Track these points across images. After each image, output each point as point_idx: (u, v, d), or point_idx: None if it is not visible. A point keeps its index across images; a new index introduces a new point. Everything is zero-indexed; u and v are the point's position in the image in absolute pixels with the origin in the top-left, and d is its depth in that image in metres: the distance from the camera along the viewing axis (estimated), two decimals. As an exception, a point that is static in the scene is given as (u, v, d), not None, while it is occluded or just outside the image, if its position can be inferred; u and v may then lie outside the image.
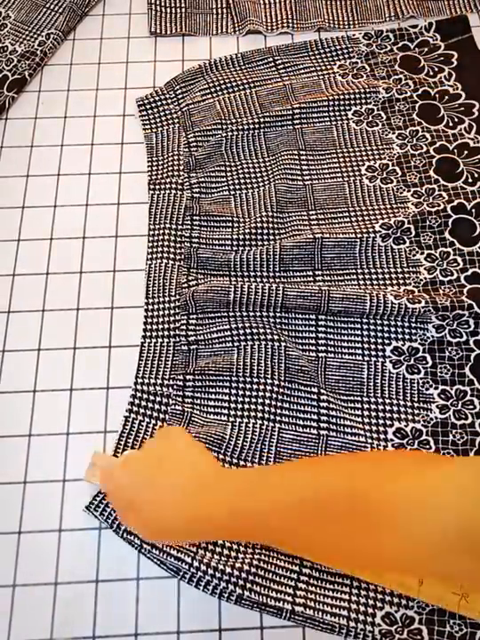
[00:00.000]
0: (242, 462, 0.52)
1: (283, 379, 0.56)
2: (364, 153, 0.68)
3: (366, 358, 0.57)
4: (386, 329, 0.58)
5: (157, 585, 0.50)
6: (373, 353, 0.57)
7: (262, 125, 0.69)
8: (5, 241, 0.65)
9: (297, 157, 0.68)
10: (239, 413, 0.55)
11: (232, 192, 0.66)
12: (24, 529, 0.53)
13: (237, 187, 0.67)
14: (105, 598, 0.50)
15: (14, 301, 0.62)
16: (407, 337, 0.57)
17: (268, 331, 0.57)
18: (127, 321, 0.61)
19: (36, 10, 0.77)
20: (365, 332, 0.58)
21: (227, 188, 0.67)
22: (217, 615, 0.49)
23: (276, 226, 0.64)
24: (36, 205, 0.67)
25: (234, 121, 0.70)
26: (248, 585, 0.48)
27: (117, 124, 0.72)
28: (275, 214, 0.64)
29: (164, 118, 0.71)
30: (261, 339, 0.57)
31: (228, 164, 0.68)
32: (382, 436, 0.54)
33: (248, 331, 0.58)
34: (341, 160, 0.67)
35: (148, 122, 0.71)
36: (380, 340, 0.57)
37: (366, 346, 0.57)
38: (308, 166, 0.67)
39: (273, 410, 0.55)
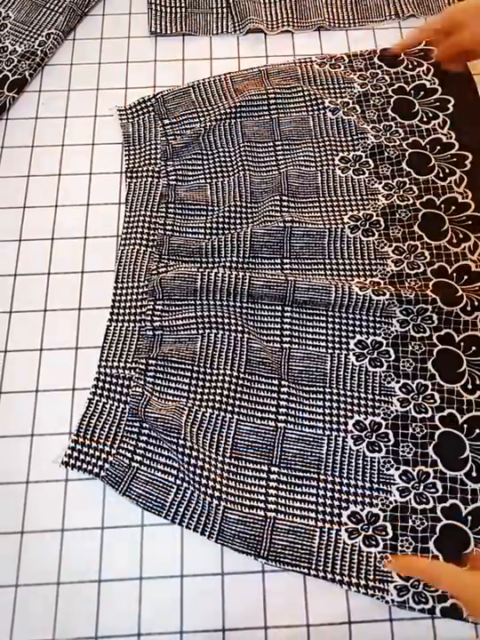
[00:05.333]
0: (197, 452, 0.52)
1: (243, 370, 0.56)
2: (338, 143, 0.68)
3: (330, 350, 0.57)
4: (351, 322, 0.58)
5: (160, 585, 0.50)
6: (337, 345, 0.57)
7: (239, 114, 0.69)
8: (6, 241, 0.65)
9: (273, 149, 0.68)
10: (197, 402, 0.55)
11: (208, 180, 0.67)
12: (27, 529, 0.52)
13: (214, 175, 0.67)
14: (107, 598, 0.50)
15: (15, 301, 0.62)
16: (371, 331, 0.58)
17: (233, 320, 0.58)
18: (129, 320, 0.61)
19: (36, 10, 0.77)
20: (330, 325, 0.58)
21: (203, 176, 0.67)
22: (221, 615, 0.49)
23: (248, 214, 0.64)
24: (36, 205, 0.67)
25: (209, 109, 0.70)
26: (223, 495, 0.50)
27: (117, 124, 0.72)
28: (248, 204, 0.65)
29: (139, 107, 0.71)
30: (225, 328, 0.58)
31: (204, 152, 0.68)
32: (342, 427, 0.54)
33: (213, 319, 0.58)
34: (316, 149, 0.68)
35: (123, 111, 0.71)
36: (344, 333, 0.58)
37: (331, 338, 0.58)
38: (283, 155, 0.68)
39: (231, 401, 0.55)
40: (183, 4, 0.78)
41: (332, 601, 0.49)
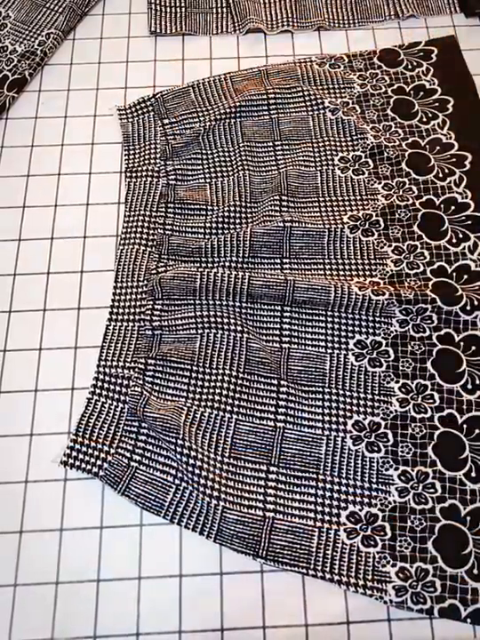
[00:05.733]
0: (195, 452, 0.52)
1: (242, 370, 0.56)
2: (337, 143, 0.68)
3: (329, 350, 0.57)
4: (350, 322, 0.58)
5: (159, 584, 0.50)
6: (336, 345, 0.57)
7: (239, 114, 0.69)
8: (6, 240, 0.65)
9: (272, 149, 0.68)
10: (196, 402, 0.55)
11: (208, 180, 0.67)
12: (25, 528, 0.52)
13: (213, 174, 0.67)
14: (106, 598, 0.50)
15: (15, 301, 0.62)
16: (371, 331, 0.58)
17: (233, 320, 0.58)
18: (128, 320, 0.61)
19: (36, 10, 0.77)
20: (330, 325, 0.58)
21: (202, 175, 0.67)
22: (219, 614, 0.49)
23: (247, 214, 0.64)
24: (36, 205, 0.67)
25: (209, 109, 0.70)
26: (222, 495, 0.50)
27: (117, 124, 0.72)
28: (248, 204, 0.65)
29: (138, 107, 0.71)
30: (224, 328, 0.58)
31: (204, 151, 0.68)
32: (341, 428, 0.54)
33: (212, 319, 0.58)
34: (315, 149, 0.68)
35: (123, 111, 0.71)
36: (343, 333, 0.58)
37: (330, 338, 0.58)
38: (282, 155, 0.68)
39: (230, 400, 0.55)
40: (183, 4, 0.78)
41: (331, 601, 0.49)
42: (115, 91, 0.74)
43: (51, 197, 0.67)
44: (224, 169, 0.67)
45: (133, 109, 0.71)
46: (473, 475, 0.52)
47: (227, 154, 0.68)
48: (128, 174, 0.68)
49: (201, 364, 0.57)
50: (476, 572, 0.49)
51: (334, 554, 0.50)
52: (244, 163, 0.67)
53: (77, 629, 0.49)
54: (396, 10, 0.77)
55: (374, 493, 0.51)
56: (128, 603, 0.50)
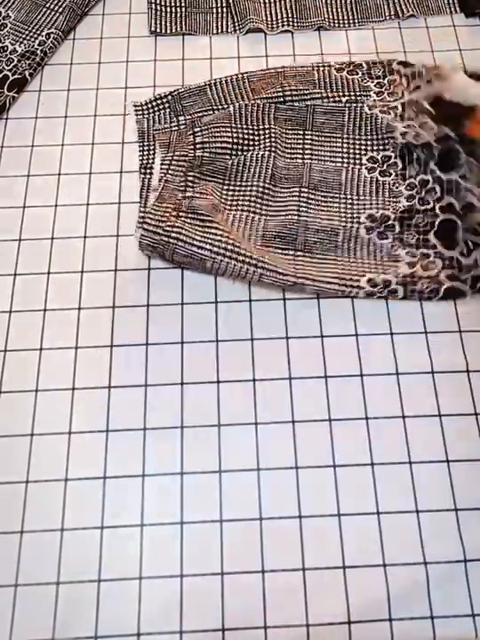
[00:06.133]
0: (231, 252, 0.59)
1: (268, 182, 0.65)
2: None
3: (345, 164, 0.67)
4: (362, 141, 0.68)
5: (160, 584, 0.50)
6: (352, 161, 0.67)
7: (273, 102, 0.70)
8: (6, 241, 0.65)
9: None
10: (227, 207, 0.64)
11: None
12: (26, 528, 0.52)
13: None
14: (107, 598, 0.50)
15: (15, 301, 0.62)
16: (381, 147, 0.67)
17: (262, 141, 0.66)
18: (128, 320, 0.61)
19: (36, 10, 0.77)
20: (345, 144, 0.68)
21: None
22: (220, 615, 0.49)
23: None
24: (36, 205, 0.67)
25: (227, 107, 0.70)
26: (260, 266, 0.59)
27: (117, 124, 0.72)
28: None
29: (154, 103, 0.71)
30: (254, 147, 0.66)
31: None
32: (355, 220, 0.64)
33: (244, 140, 0.67)
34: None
35: (139, 107, 0.71)
36: (357, 150, 0.68)
37: (345, 155, 0.68)
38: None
39: (259, 203, 0.64)
40: (183, 4, 0.78)
41: (332, 601, 0.50)
42: (115, 91, 0.74)
43: (51, 197, 0.67)
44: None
45: (149, 106, 0.71)
46: (467, 176, 0.64)
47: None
48: (142, 172, 0.68)
49: (232, 178, 0.65)
50: (465, 252, 0.62)
51: (356, 246, 0.62)
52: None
53: (78, 630, 0.49)
54: (396, 10, 0.78)
55: (388, 203, 0.64)
56: (129, 603, 0.50)
